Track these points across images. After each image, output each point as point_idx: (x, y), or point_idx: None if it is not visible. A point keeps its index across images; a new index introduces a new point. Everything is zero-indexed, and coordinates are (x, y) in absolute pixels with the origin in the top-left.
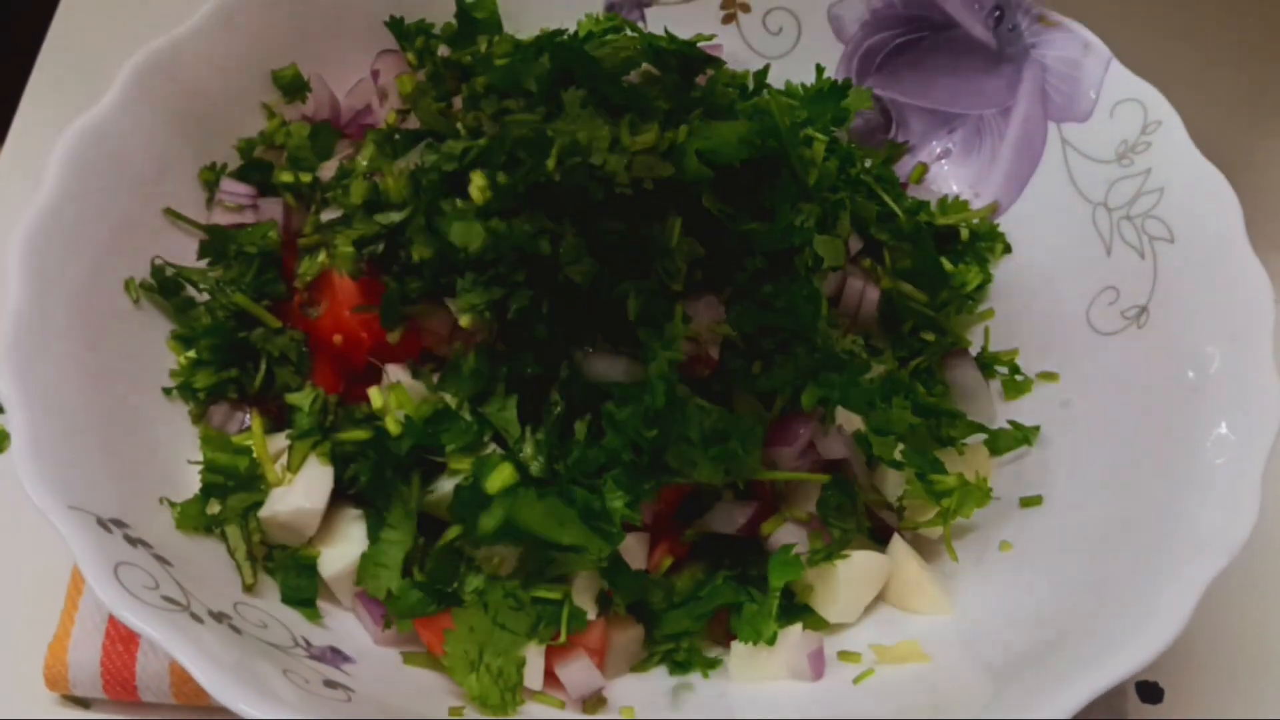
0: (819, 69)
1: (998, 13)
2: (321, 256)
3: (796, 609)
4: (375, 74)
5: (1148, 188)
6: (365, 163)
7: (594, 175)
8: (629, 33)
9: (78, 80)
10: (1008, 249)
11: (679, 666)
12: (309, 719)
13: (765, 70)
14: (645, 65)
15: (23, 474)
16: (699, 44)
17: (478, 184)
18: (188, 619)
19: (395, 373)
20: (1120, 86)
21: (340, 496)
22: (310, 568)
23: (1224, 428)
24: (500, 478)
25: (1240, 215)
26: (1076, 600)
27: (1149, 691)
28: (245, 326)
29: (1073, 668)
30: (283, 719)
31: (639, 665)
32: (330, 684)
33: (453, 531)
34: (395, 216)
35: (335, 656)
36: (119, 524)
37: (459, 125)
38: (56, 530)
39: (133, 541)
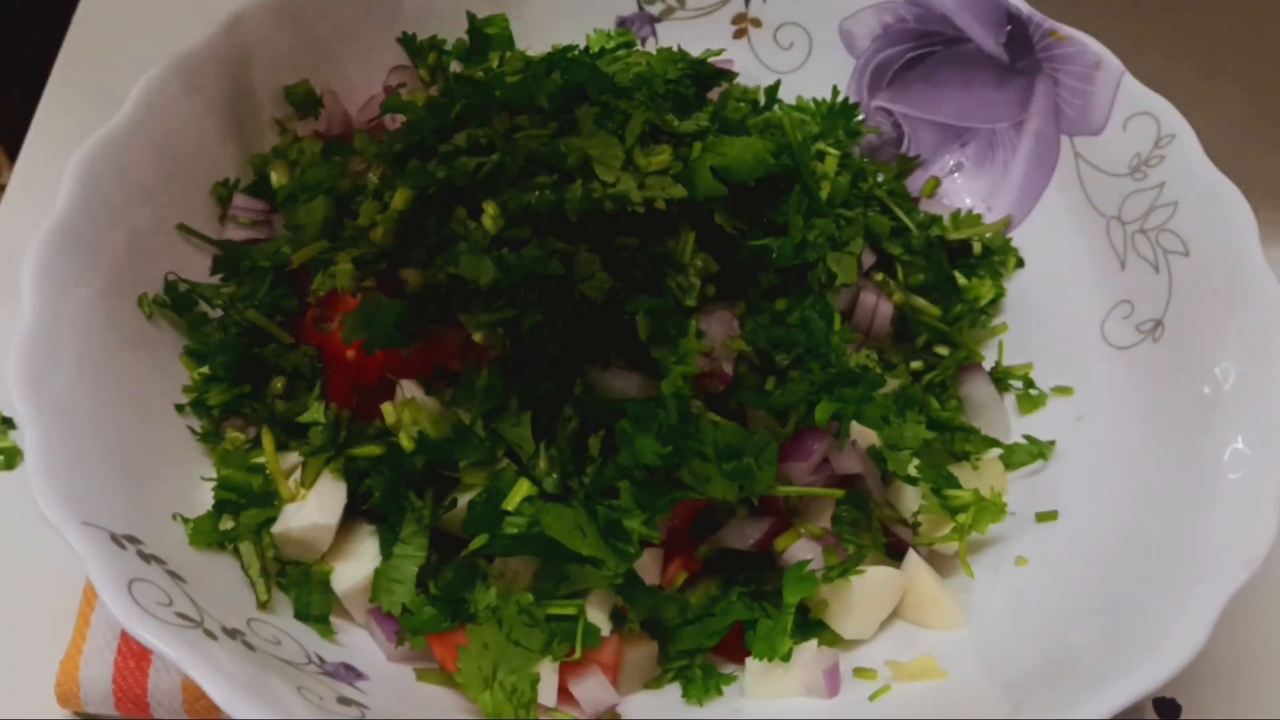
0: (835, 90)
1: (1009, 27)
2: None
3: (811, 625)
4: (388, 90)
5: (1161, 201)
6: (376, 181)
7: (607, 193)
8: (639, 48)
9: (92, 95)
10: (1021, 263)
11: (693, 684)
12: None
13: (776, 86)
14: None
15: (36, 490)
16: (710, 59)
17: (489, 213)
18: (201, 635)
19: (409, 388)
20: (1133, 100)
21: (353, 512)
22: (324, 584)
23: (1240, 443)
24: (519, 494)
25: (1255, 228)
26: (1093, 616)
27: (1166, 708)
28: (259, 342)
29: (1090, 686)
30: None
31: (653, 682)
32: (344, 701)
33: (477, 542)
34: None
35: (349, 673)
36: (132, 540)
37: (463, 139)
38: (70, 547)
39: (146, 558)
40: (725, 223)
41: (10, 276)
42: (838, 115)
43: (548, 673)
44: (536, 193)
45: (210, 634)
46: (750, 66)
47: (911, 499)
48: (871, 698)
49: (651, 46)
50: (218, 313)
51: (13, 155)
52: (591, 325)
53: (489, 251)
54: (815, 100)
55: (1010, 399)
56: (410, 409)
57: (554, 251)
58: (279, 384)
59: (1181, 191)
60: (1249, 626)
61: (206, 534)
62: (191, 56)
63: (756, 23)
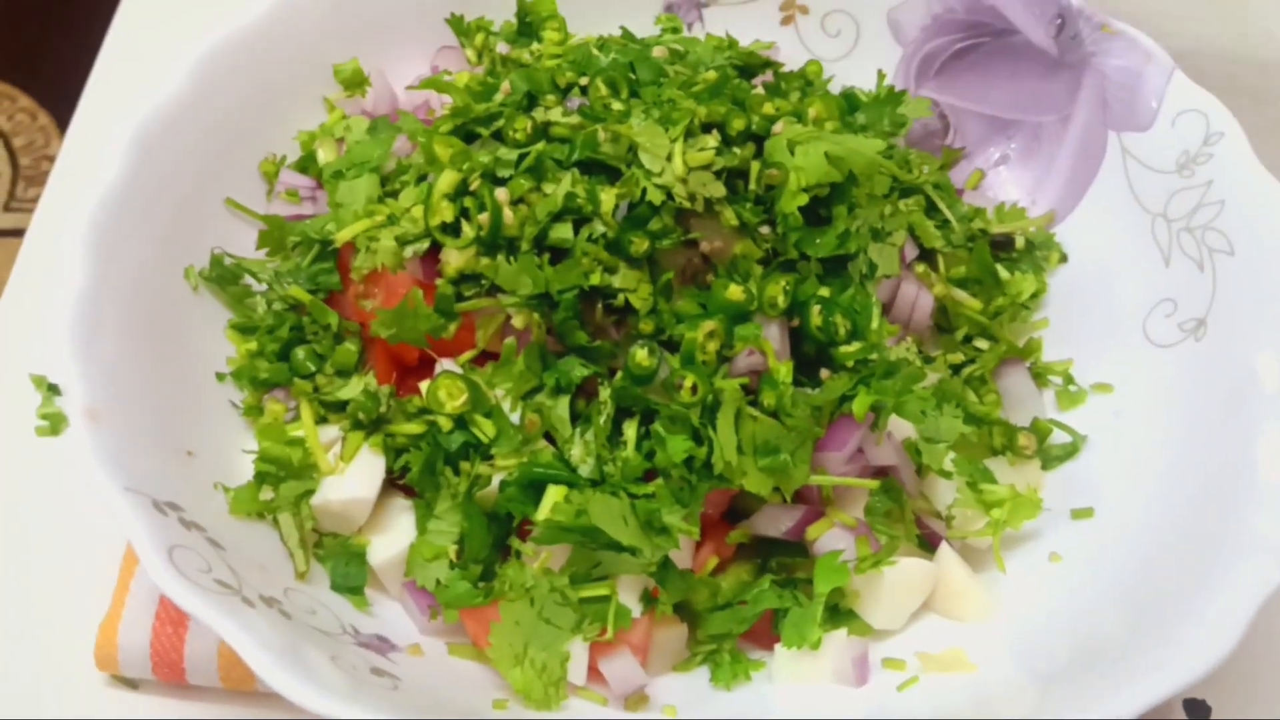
0: (880, 76)
1: (1059, 20)
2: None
3: (841, 614)
4: (435, 70)
5: (1208, 199)
6: (420, 161)
7: (651, 181)
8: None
9: (142, 68)
10: (1064, 258)
11: (721, 667)
12: (356, 710)
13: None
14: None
15: (82, 454)
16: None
17: (524, 218)
18: (239, 603)
19: (448, 367)
20: (1182, 96)
21: (390, 486)
22: (360, 556)
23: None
24: (554, 497)
25: None
26: (1126, 614)
27: (1196, 709)
28: (303, 321)
29: (1120, 683)
30: (330, 705)
31: (681, 665)
32: (377, 671)
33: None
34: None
35: (382, 644)
36: (174, 507)
37: (513, 129)
38: (113, 512)
39: (187, 525)
40: (797, 218)
41: (60, 245)
42: (884, 104)
43: (578, 651)
44: (575, 197)
45: (248, 601)
46: (797, 53)
47: (946, 492)
48: (900, 688)
49: (699, 32)
50: (262, 287)
51: (63, 126)
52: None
53: (529, 253)
54: (861, 90)
55: (1049, 394)
56: (448, 388)
57: (598, 262)
58: (329, 367)
59: (1229, 190)
60: None
61: (246, 503)
62: (242, 33)
63: (804, 9)
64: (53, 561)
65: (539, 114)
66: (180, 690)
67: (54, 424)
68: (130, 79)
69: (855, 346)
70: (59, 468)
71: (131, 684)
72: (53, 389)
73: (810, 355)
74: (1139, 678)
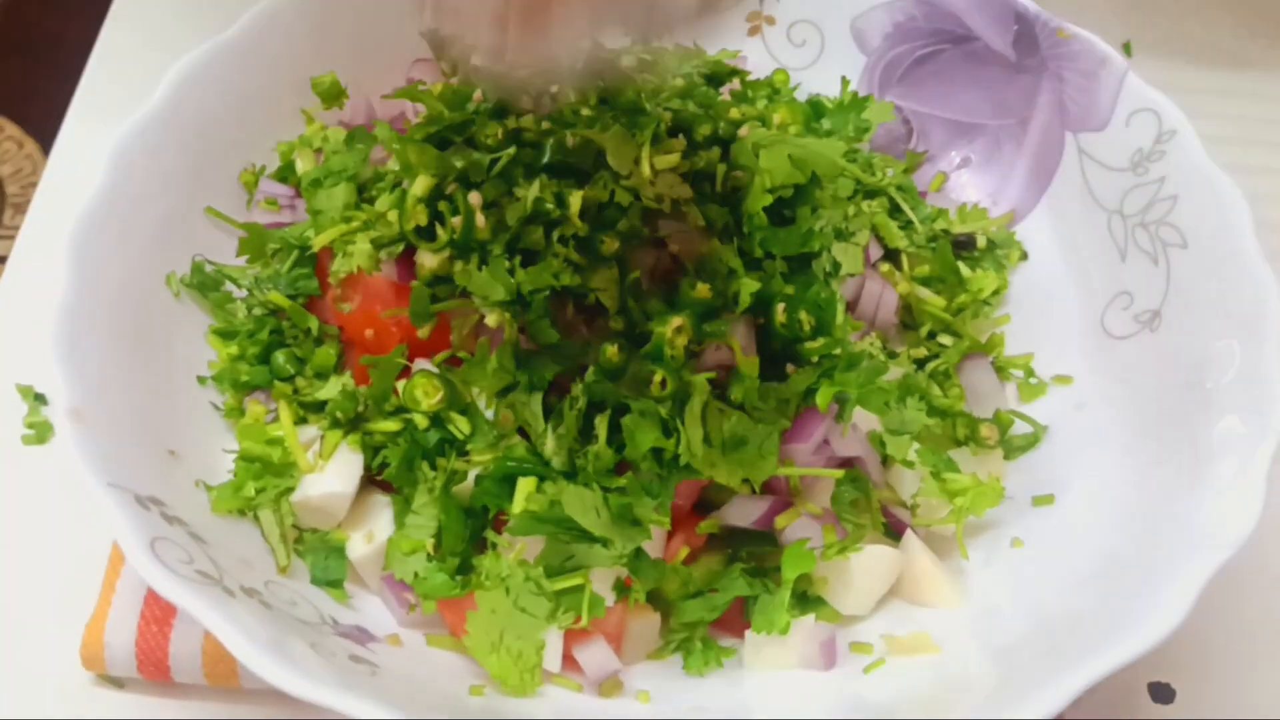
0: (844, 82)
1: (1017, 26)
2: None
3: (810, 601)
4: (410, 82)
5: (1161, 195)
6: (395, 169)
7: (620, 184)
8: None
9: (124, 86)
10: (1024, 255)
11: (693, 655)
12: (339, 697)
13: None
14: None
15: (67, 452)
16: (725, 59)
17: (494, 226)
18: (221, 592)
19: (424, 367)
20: (1136, 97)
21: (368, 483)
22: (339, 550)
23: (1231, 426)
24: (526, 489)
25: (1250, 220)
26: (1084, 594)
27: (1161, 692)
28: (283, 326)
29: (1074, 658)
30: (315, 690)
31: (655, 653)
32: (356, 659)
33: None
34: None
35: (361, 635)
36: (156, 502)
37: (485, 135)
38: (96, 506)
39: (169, 519)
40: (762, 218)
41: (46, 258)
42: (848, 109)
43: (553, 639)
44: (543, 202)
45: (229, 591)
46: (764, 63)
47: (910, 482)
48: (867, 670)
49: (668, 42)
50: (242, 293)
51: (46, 149)
52: (602, 311)
53: (500, 258)
54: (826, 97)
55: (1011, 388)
56: (424, 386)
57: (569, 263)
58: (309, 370)
59: (1181, 185)
60: (1245, 611)
61: (228, 500)
62: (220, 48)
63: (770, 20)
64: (39, 564)
65: (510, 120)
66: (166, 689)
67: (40, 433)
68: (114, 93)
69: (820, 342)
70: (46, 474)
71: (118, 683)
72: (39, 398)
73: (778, 351)
74: (1089, 655)
